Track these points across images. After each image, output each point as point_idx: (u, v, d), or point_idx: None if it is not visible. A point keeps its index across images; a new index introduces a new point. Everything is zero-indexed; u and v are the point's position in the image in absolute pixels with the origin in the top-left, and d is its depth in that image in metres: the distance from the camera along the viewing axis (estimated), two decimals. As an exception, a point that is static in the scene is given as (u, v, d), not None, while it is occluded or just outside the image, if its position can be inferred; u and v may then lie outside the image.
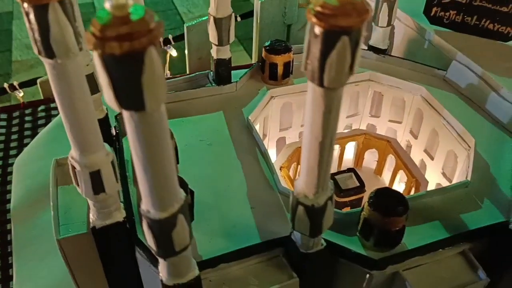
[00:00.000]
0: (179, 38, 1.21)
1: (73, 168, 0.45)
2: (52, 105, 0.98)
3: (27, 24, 0.35)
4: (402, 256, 0.52)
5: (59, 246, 0.54)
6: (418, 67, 0.79)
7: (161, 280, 0.44)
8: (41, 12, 0.33)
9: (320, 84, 0.35)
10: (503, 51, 0.78)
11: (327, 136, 0.39)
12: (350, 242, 0.54)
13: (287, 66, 0.74)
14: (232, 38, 0.70)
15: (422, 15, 0.83)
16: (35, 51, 0.36)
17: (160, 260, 0.43)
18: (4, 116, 0.93)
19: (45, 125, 0.93)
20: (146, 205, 0.38)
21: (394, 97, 0.80)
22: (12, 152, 0.88)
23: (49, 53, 0.35)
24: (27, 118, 0.94)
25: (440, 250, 0.54)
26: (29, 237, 0.75)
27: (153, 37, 0.28)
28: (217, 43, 0.70)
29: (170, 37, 1.21)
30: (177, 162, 0.58)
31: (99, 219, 0.50)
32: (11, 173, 0.83)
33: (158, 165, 0.35)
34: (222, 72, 0.74)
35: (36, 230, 0.76)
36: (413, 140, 0.81)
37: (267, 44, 0.75)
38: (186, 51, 1.09)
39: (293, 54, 0.76)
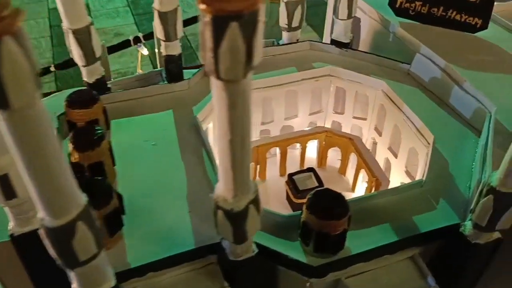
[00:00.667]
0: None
1: (-19, 171, 0.42)
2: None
3: None
4: (344, 262, 0.49)
5: (-17, 256, 0.51)
6: (382, 61, 0.76)
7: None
8: None
9: (217, 76, 0.32)
10: (470, 43, 0.74)
11: (237, 134, 0.36)
12: (291, 248, 0.51)
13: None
14: (180, 33, 0.67)
15: (388, 7, 0.79)
16: None
17: (70, 274, 0.40)
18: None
19: None
20: (41, 212, 0.35)
21: (357, 93, 0.77)
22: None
23: None
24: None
25: (387, 255, 0.51)
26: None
27: (7, 25, 0.25)
28: (164, 39, 0.67)
29: (140, 35, 1.18)
30: (113, 164, 0.55)
31: (17, 226, 0.48)
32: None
33: (43, 168, 0.32)
34: (172, 68, 0.71)
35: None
36: (378, 137, 0.77)
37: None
38: (156, 49, 1.06)
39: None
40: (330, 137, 0.76)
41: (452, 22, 0.78)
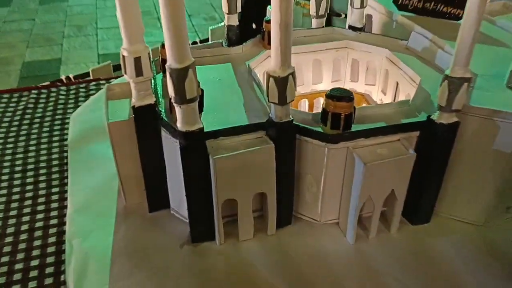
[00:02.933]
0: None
1: (123, 56, 0.70)
2: (99, 82, 1.26)
3: None
4: (351, 135, 0.74)
5: (108, 129, 0.79)
6: (387, 39, 1.03)
7: (176, 128, 0.68)
8: None
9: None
10: (451, 25, 1.01)
11: (283, 20, 0.63)
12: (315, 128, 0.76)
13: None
14: (239, 8, 0.97)
15: (392, 4, 1.07)
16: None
17: (177, 109, 0.67)
18: (63, 88, 1.21)
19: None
20: (169, 61, 0.63)
21: (368, 63, 1.03)
22: (70, 111, 1.14)
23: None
24: (82, 90, 1.22)
25: (380, 136, 0.75)
26: (81, 159, 1.00)
27: None
28: (227, 12, 0.97)
29: (197, 40, 1.49)
30: (201, 110, 0.81)
31: (138, 100, 0.75)
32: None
33: (176, 29, 0.60)
34: (231, 36, 1.00)
35: (85, 155, 1.00)
36: (383, 96, 1.03)
37: (267, 18, 1.01)
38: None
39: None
40: (347, 93, 1.02)
41: (440, 13, 1.05)
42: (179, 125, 0.69)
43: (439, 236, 0.83)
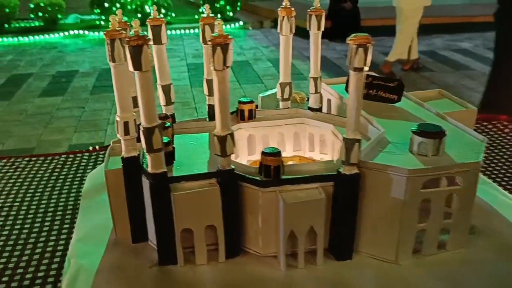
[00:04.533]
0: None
1: (117, 121, 1.03)
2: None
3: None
4: (278, 181, 1.01)
5: (105, 176, 1.09)
6: (336, 117, 1.32)
7: (147, 171, 0.98)
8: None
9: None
10: (387, 107, 1.30)
11: (221, 97, 0.94)
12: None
13: (250, 111, 1.31)
14: (217, 92, 1.29)
15: (344, 91, 1.38)
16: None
17: (148, 156, 0.97)
18: (87, 154, 1.56)
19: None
20: (142, 122, 0.94)
21: (321, 136, 1.32)
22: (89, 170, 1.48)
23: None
24: (100, 156, 1.55)
25: (303, 183, 1.02)
26: (90, 205, 1.30)
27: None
28: (207, 94, 1.30)
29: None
30: (172, 162, 1.11)
31: (125, 153, 1.06)
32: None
33: (146, 101, 0.92)
34: (211, 113, 1.32)
35: (94, 202, 1.31)
36: (332, 162, 1.30)
37: (239, 99, 1.33)
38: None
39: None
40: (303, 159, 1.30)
41: (381, 98, 1.34)
42: (149, 168, 0.99)
43: (357, 270, 1.05)
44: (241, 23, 8.46)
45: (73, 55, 7.24)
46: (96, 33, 7.99)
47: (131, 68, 0.91)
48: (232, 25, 8.40)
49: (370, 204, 1.04)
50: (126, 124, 1.03)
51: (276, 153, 1.02)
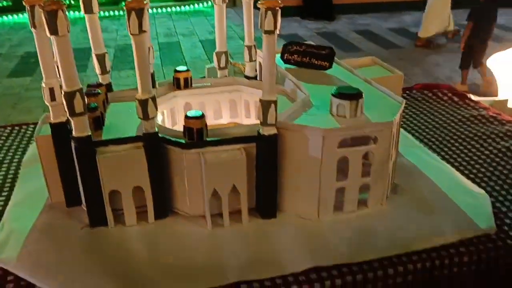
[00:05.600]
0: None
1: (42, 87, 1.05)
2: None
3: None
4: (201, 143, 1.05)
5: (36, 143, 1.12)
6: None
7: (72, 135, 1.00)
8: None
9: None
10: (320, 74, 1.34)
11: (141, 61, 0.97)
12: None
13: (186, 80, 1.34)
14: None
15: (279, 59, 1.41)
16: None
17: (71, 120, 1.00)
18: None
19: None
20: (64, 87, 0.97)
21: (255, 102, 1.35)
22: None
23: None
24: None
25: (225, 145, 1.06)
26: (28, 173, 1.32)
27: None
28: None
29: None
30: (101, 127, 1.14)
31: (54, 119, 1.08)
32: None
33: (66, 66, 0.95)
34: (148, 81, 1.34)
35: (33, 170, 1.33)
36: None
37: (177, 68, 1.35)
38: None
39: None
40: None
41: (313, 65, 1.39)
42: (73, 132, 1.02)
43: (280, 226, 1.11)
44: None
45: (43, 35, 7.13)
46: (71, 12, 7.83)
47: (48, 33, 0.93)
48: (205, 4, 8.33)
49: (291, 164, 1.09)
50: (51, 90, 1.06)
51: (199, 116, 1.06)
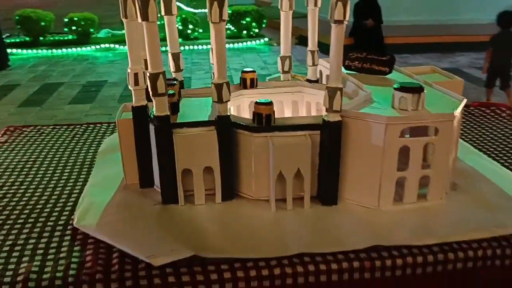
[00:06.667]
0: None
1: (128, 73, 1.17)
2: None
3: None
4: (269, 128, 1.13)
5: (117, 125, 1.24)
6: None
7: (153, 114, 1.11)
8: None
9: (212, 21, 1.06)
10: (380, 78, 1.41)
11: (218, 51, 1.08)
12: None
13: (252, 80, 1.44)
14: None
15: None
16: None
17: (153, 100, 1.11)
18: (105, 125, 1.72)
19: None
20: (149, 69, 1.09)
21: (317, 104, 1.44)
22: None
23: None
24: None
25: (291, 131, 1.14)
26: (104, 160, 1.44)
27: None
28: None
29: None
30: (176, 112, 1.25)
31: (135, 102, 1.20)
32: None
33: (152, 50, 1.07)
34: (217, 80, 1.45)
35: (108, 158, 1.45)
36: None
37: (243, 69, 1.46)
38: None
39: None
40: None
41: (374, 71, 1.46)
42: (154, 112, 1.12)
43: (340, 213, 1.16)
44: (266, 39, 8.68)
45: (103, 66, 7.57)
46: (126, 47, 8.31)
47: (139, 19, 1.06)
48: (258, 41, 8.63)
49: (354, 152, 1.15)
50: (136, 75, 1.18)
51: (268, 103, 1.14)
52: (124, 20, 1.14)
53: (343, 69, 1.46)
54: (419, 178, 1.17)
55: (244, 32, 8.82)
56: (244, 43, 8.51)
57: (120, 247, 1.03)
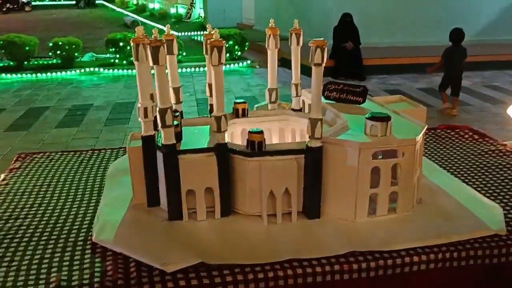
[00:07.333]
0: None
1: (138, 107, 1.38)
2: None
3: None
4: (260, 153, 1.34)
5: (127, 152, 1.43)
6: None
7: (161, 144, 1.31)
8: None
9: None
10: (355, 107, 1.63)
11: (217, 85, 1.29)
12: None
13: (244, 110, 1.64)
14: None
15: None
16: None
17: (161, 130, 1.31)
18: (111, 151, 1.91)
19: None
20: (159, 104, 1.29)
21: (301, 130, 1.65)
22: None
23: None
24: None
25: (280, 155, 1.35)
26: (113, 182, 1.63)
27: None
28: (209, 95, 1.65)
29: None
30: (179, 140, 1.45)
31: (144, 132, 1.40)
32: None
33: (161, 87, 1.27)
34: (212, 110, 1.66)
35: (116, 181, 1.64)
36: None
37: (236, 100, 1.67)
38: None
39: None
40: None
41: (349, 100, 1.68)
42: (162, 141, 1.32)
43: (323, 225, 1.36)
44: (248, 61, 8.95)
45: (88, 90, 7.74)
46: (111, 71, 8.51)
47: (151, 63, 1.26)
48: (240, 64, 8.90)
49: (333, 173, 1.37)
50: (145, 109, 1.38)
51: (259, 132, 1.35)
52: (135, 62, 1.34)
53: (322, 99, 1.70)
54: (389, 194, 1.38)
55: (227, 55, 9.08)
56: (228, 66, 8.77)
57: (136, 258, 1.22)
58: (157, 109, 1.30)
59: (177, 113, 1.49)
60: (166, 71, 1.44)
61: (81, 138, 5.53)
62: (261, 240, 1.31)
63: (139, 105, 1.38)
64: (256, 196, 1.38)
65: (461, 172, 1.74)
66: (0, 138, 5.54)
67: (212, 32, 1.38)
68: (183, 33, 12.07)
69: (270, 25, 1.65)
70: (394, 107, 1.66)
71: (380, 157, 1.38)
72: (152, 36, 1.28)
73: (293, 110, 1.73)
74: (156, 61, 1.25)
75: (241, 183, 1.39)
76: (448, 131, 2.12)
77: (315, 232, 1.34)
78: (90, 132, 5.75)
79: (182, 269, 1.17)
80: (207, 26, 1.61)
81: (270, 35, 1.65)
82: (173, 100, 1.62)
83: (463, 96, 6.55)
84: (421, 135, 1.40)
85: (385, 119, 1.38)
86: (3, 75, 8.34)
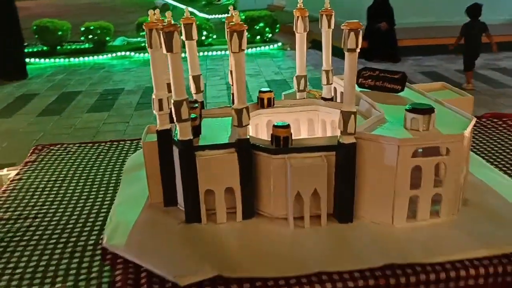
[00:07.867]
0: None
1: (153, 98, 1.24)
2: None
3: (145, 35, 1.18)
4: (286, 150, 1.19)
5: (142, 147, 1.30)
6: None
7: (177, 139, 1.17)
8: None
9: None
10: (393, 96, 1.46)
11: (238, 78, 1.14)
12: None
13: (269, 99, 1.49)
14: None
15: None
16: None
17: (177, 125, 1.17)
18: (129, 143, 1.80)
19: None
20: (173, 96, 1.15)
21: (332, 122, 1.49)
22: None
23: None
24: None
25: (307, 152, 1.20)
26: (129, 178, 1.51)
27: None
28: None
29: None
30: (198, 134, 1.31)
31: (160, 126, 1.27)
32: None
33: (176, 80, 1.13)
34: (235, 101, 1.52)
35: (133, 176, 1.52)
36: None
37: (260, 89, 1.52)
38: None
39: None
40: (314, 141, 1.47)
41: (386, 88, 1.51)
42: (178, 136, 1.19)
43: (355, 230, 1.21)
44: (279, 44, 8.73)
45: (120, 74, 7.69)
46: (142, 54, 8.43)
47: (164, 50, 1.12)
48: (271, 46, 8.68)
49: (368, 172, 1.20)
50: (160, 101, 1.24)
51: (285, 126, 1.20)
52: (149, 49, 1.21)
53: (356, 87, 1.53)
54: (431, 196, 1.21)
55: (258, 37, 8.88)
56: (258, 48, 8.56)
57: (148, 267, 1.09)
58: (172, 101, 1.16)
59: (196, 104, 1.35)
60: (185, 55, 1.31)
61: (111, 123, 5.48)
62: (286, 247, 1.16)
63: (154, 97, 1.24)
64: (282, 197, 1.24)
65: (511, 168, 1.55)
66: (33, 123, 5.54)
67: (233, 13, 1.22)
68: (214, 16, 11.90)
69: (298, 6, 1.48)
70: (436, 95, 1.48)
71: (420, 150, 1.21)
72: (166, 20, 1.13)
73: (324, 99, 1.56)
74: (169, 48, 1.11)
75: (265, 182, 1.24)
76: (495, 120, 1.91)
77: (346, 239, 1.18)
78: (121, 116, 5.70)
79: (197, 282, 1.04)
80: (229, 8, 1.46)
81: (298, 17, 1.48)
82: (193, 89, 1.49)
83: (504, 78, 6.20)
84: (469, 129, 1.23)
85: (428, 111, 1.21)
86: (37, 60, 8.37)
